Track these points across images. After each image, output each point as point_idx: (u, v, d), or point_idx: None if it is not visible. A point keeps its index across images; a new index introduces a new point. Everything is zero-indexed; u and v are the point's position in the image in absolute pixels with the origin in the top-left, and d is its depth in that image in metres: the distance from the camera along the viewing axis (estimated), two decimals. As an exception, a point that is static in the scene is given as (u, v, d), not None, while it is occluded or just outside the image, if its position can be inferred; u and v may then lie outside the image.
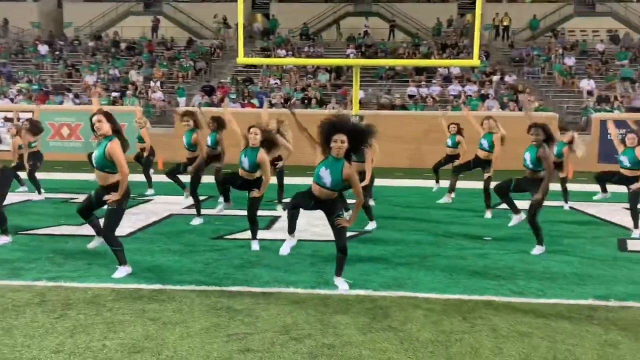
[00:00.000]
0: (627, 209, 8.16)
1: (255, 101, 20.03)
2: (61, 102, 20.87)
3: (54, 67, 24.82)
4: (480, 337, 4.00)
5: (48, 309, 4.44)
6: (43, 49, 25.78)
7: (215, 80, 23.13)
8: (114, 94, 21.02)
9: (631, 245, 7.15)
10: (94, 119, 5.34)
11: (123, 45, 26.35)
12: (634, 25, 27.53)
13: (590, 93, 20.99)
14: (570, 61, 23.71)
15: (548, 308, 4.63)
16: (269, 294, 4.92)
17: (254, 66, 22.61)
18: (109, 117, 5.39)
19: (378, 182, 11.67)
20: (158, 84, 21.96)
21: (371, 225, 7.86)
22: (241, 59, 13.33)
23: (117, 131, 5.41)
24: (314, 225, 7.60)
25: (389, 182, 13.39)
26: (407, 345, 3.85)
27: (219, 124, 9.09)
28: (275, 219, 8.42)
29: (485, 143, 9.09)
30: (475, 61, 13.46)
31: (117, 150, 5.22)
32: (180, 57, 24.73)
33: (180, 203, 9.43)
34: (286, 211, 5.50)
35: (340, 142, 4.87)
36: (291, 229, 5.35)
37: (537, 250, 6.56)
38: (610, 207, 9.76)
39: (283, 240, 5.47)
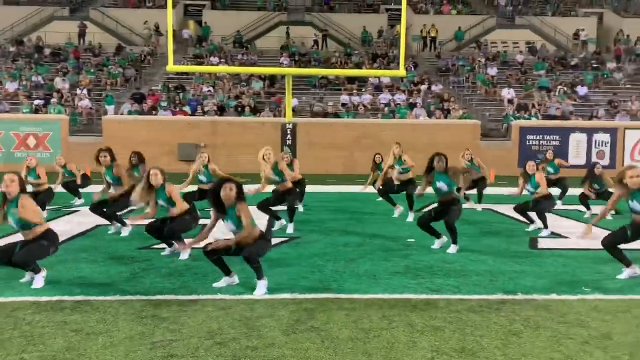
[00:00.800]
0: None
1: (187, 108, 19.80)
2: (-22, 110, 19.77)
3: (-30, 74, 23.45)
4: (397, 332, 4.24)
5: (-39, 326, 4.29)
6: (-41, 54, 24.35)
7: (146, 87, 22.68)
8: (37, 102, 20.14)
9: (542, 243, 7.72)
10: None
11: (47, 51, 25.30)
12: (550, 38, 29.45)
13: (510, 101, 22.25)
14: (492, 71, 25.05)
15: (461, 303, 4.96)
16: (195, 301, 4.96)
17: (186, 73, 22.37)
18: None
19: (312, 188, 11.97)
20: (85, 91, 21.25)
21: (290, 229, 8.19)
22: (171, 67, 13.20)
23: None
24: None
25: (322, 188, 13.68)
26: (328, 343, 4.03)
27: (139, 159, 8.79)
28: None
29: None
30: (401, 72, 14.02)
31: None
32: (109, 64, 24.05)
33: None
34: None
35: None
36: (225, 271, 5.38)
37: (453, 249, 6.99)
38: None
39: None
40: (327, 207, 10.92)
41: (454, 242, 7.04)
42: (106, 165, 8.16)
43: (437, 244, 7.22)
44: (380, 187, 10.05)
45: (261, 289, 5.18)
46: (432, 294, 5.22)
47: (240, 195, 5.19)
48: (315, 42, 27.49)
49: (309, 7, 30.60)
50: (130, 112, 19.48)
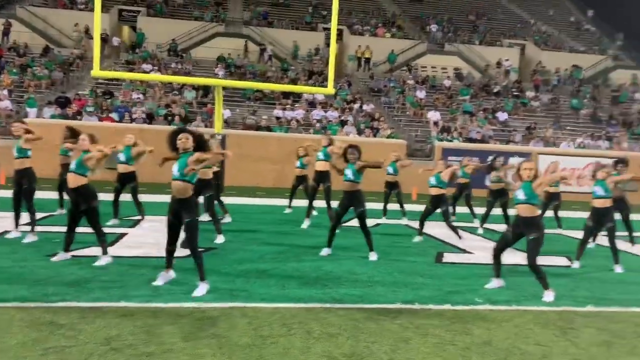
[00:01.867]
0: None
1: (114, 115, 19.32)
2: None
3: None
4: (294, 339, 4.42)
5: None
6: None
7: (73, 91, 21.91)
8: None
9: (447, 257, 8.18)
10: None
11: (-34, 48, 23.97)
12: (476, 66, 31.10)
13: (436, 124, 23.28)
14: (421, 94, 26.12)
15: (360, 312, 5.21)
16: (97, 308, 4.93)
17: (117, 79, 21.82)
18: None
19: (240, 200, 12.08)
20: (5, 92, 20.27)
21: (219, 239, 8.31)
22: (97, 72, 12.87)
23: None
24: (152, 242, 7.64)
25: (251, 200, 13.77)
26: (225, 349, 4.14)
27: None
28: (122, 236, 8.31)
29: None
30: (329, 90, 14.37)
31: None
32: (34, 65, 23.08)
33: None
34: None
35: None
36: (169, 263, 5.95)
37: (373, 256, 7.73)
38: (438, 224, 11.02)
39: (126, 257, 5.63)
40: (252, 218, 11.00)
41: (371, 248, 7.75)
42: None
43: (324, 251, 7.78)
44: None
45: (202, 289, 5.59)
46: (334, 303, 5.45)
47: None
48: (262, 51, 27.68)
49: (247, 21, 30.74)
50: (53, 116, 18.76)
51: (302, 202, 11.35)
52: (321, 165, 10.35)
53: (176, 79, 20.02)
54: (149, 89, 22.34)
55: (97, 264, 6.44)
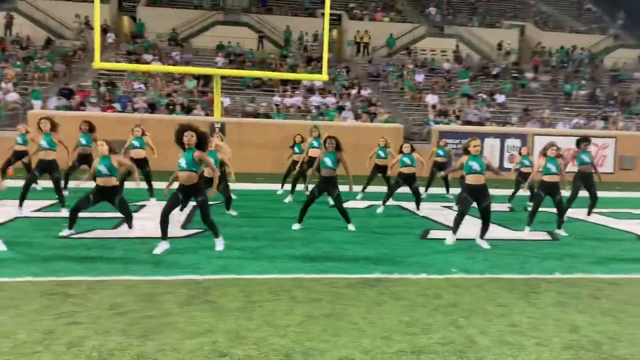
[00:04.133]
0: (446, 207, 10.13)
1: (117, 105, 19.80)
2: None
3: None
4: (280, 304, 4.92)
5: None
6: None
7: (75, 83, 22.40)
8: (-41, 94, 19.56)
9: (432, 234, 8.65)
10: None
11: (-30, 42, 24.44)
12: (476, 47, 31.23)
13: (434, 107, 23.61)
14: (419, 77, 26.39)
15: (342, 281, 5.70)
16: (103, 281, 5.45)
17: (118, 70, 22.26)
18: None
19: (241, 185, 12.61)
20: (10, 85, 20.78)
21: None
22: (98, 64, 13.36)
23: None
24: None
25: (251, 185, 14.30)
26: (217, 312, 4.65)
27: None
28: (122, 222, 8.84)
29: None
30: (324, 76, 14.78)
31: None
32: (37, 58, 23.54)
33: (30, 206, 9.49)
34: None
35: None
36: (165, 235, 6.71)
37: (351, 227, 8.59)
38: (430, 205, 11.48)
39: (125, 239, 6.32)
40: (250, 202, 11.50)
41: (348, 221, 8.57)
42: (46, 131, 9.08)
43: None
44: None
45: (220, 244, 6.94)
46: (320, 274, 5.95)
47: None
48: (260, 39, 28.02)
49: (246, 8, 31.00)
50: (57, 108, 19.27)
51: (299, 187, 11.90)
52: (315, 152, 11.03)
53: (176, 69, 20.47)
54: (150, 78, 22.78)
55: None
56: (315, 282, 5.65)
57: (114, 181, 7.57)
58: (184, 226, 8.65)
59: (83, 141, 11.00)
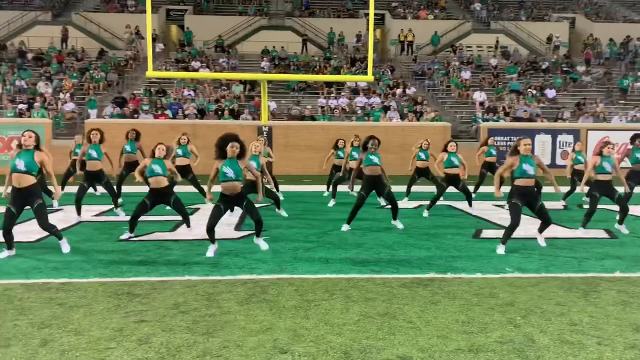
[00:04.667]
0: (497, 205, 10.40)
1: (168, 112, 20.43)
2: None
3: (-46, 78, 23.83)
4: (335, 302, 5.01)
5: (-40, 302, 4.97)
6: (-58, 58, 24.69)
7: (128, 91, 23.26)
8: (21, 106, 20.65)
9: (485, 233, 8.55)
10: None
11: (30, 56, 25.75)
12: (523, 42, 30.50)
13: (481, 104, 23.20)
14: (466, 74, 25.98)
15: (396, 281, 5.74)
16: (165, 281, 5.70)
17: (168, 77, 22.98)
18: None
19: (288, 187, 12.81)
20: (68, 95, 21.79)
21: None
22: (150, 73, 13.85)
23: None
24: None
25: (298, 187, 14.49)
26: (275, 310, 4.79)
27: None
28: (180, 223, 9.16)
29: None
30: (369, 77, 14.77)
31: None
32: (91, 68, 24.58)
33: (91, 210, 9.98)
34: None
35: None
36: (213, 240, 6.93)
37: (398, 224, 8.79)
38: (481, 205, 11.32)
39: (183, 241, 6.74)
40: (299, 204, 11.67)
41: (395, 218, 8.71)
42: (94, 143, 9.48)
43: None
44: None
45: (264, 244, 7.20)
46: (373, 274, 6.01)
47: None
48: (304, 42, 28.30)
49: (289, 12, 31.37)
50: (112, 116, 20.08)
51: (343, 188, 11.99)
52: (354, 164, 10.97)
53: (224, 76, 20.95)
54: (199, 85, 23.38)
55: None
56: (369, 282, 5.71)
57: (166, 181, 7.83)
58: (237, 228, 8.88)
59: (128, 148, 11.25)
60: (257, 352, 3.89)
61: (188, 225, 8.19)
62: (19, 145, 6.76)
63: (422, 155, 11.71)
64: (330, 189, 12.34)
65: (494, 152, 12.80)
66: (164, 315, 4.66)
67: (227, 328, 4.36)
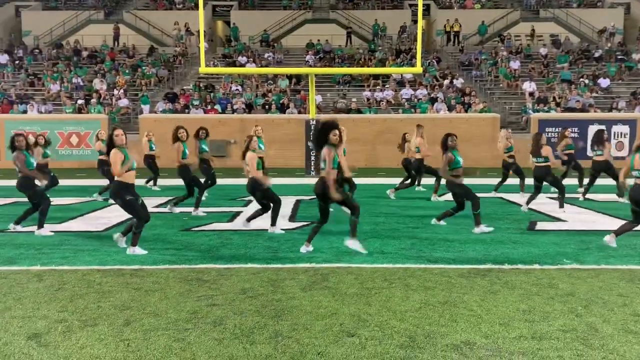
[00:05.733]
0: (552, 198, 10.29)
1: (217, 107, 20.94)
2: (25, 111, 21.32)
3: (15, 77, 25.12)
4: (395, 290, 5.16)
5: (47, 285, 5.38)
6: (2, 58, 26.00)
7: (178, 87, 23.94)
8: (79, 102, 21.60)
9: (540, 225, 8.49)
10: None
11: (84, 54, 26.82)
12: (575, 30, 29.55)
13: (531, 94, 22.71)
14: (515, 64, 25.43)
15: (453, 271, 5.83)
16: (230, 269, 5.98)
17: (216, 73, 23.51)
18: None
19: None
20: (122, 91, 22.62)
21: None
22: (203, 69, 14.28)
23: None
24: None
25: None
26: (337, 297, 4.97)
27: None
28: (237, 214, 9.50)
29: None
30: (417, 68, 14.76)
31: None
32: (143, 65, 25.39)
33: (150, 204, 10.43)
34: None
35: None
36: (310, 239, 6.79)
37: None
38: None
39: (244, 231, 7.14)
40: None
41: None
42: (183, 140, 9.62)
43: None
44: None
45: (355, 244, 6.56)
46: (429, 264, 6.12)
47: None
48: (349, 34, 28.32)
49: (333, 5, 31.43)
50: (164, 111, 20.76)
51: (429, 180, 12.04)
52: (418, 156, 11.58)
53: (271, 70, 21.28)
54: (246, 80, 23.84)
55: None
56: (426, 271, 5.83)
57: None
58: (291, 219, 9.13)
59: (205, 147, 10.76)
60: (325, 335, 4.09)
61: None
62: (113, 143, 6.63)
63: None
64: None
65: (572, 145, 12.52)
66: (234, 299, 4.92)
67: (294, 312, 4.58)
